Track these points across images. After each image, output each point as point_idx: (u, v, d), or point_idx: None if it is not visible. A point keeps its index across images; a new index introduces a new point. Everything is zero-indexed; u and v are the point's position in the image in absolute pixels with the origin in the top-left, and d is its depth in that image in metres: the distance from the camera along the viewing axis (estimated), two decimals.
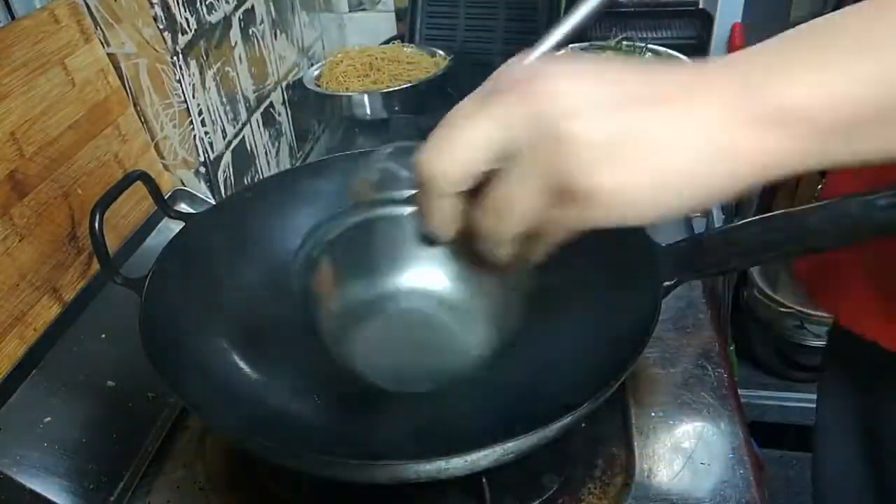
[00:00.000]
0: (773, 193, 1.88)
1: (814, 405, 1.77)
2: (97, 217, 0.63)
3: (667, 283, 0.59)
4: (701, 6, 1.47)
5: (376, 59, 1.26)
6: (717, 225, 1.82)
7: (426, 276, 0.78)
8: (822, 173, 1.78)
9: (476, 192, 0.36)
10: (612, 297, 0.64)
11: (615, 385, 0.53)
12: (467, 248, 0.40)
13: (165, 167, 0.86)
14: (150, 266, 0.65)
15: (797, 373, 1.86)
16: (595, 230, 0.35)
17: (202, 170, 0.88)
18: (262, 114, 1.06)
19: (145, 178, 0.71)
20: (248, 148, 1.01)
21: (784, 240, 0.57)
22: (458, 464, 0.49)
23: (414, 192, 0.38)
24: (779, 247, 0.58)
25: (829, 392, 0.90)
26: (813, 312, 1.71)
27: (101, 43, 0.77)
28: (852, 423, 0.83)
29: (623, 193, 0.32)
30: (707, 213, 1.79)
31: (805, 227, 0.57)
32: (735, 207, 1.82)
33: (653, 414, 0.67)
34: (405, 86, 1.18)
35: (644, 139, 0.31)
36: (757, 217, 0.59)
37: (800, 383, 1.87)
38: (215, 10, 0.90)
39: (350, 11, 1.43)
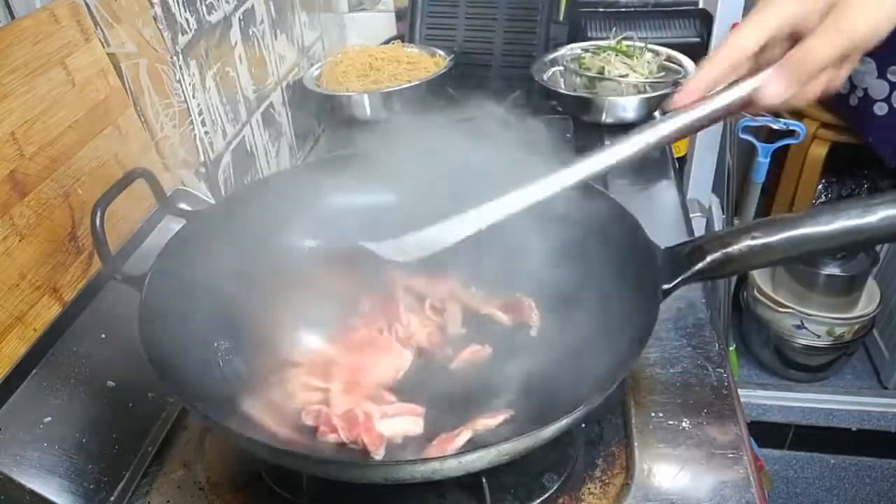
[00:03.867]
0: (772, 196, 1.88)
1: (813, 405, 1.76)
2: (98, 214, 0.63)
3: (666, 287, 0.59)
4: (701, 6, 1.47)
5: (376, 59, 1.26)
6: (716, 226, 1.82)
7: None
8: (823, 175, 1.79)
9: None
10: (611, 300, 0.64)
11: (610, 389, 0.53)
12: None
13: (165, 167, 0.86)
14: (150, 265, 0.65)
15: (797, 373, 1.86)
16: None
17: (202, 170, 0.88)
18: (262, 114, 1.06)
19: (147, 175, 0.71)
20: (248, 148, 1.01)
21: (783, 244, 0.57)
22: (452, 465, 0.49)
23: None
24: (777, 251, 0.58)
25: None
26: (813, 312, 1.71)
27: (101, 43, 0.77)
28: None
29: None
30: (707, 214, 1.79)
31: (804, 231, 0.57)
32: (735, 209, 1.82)
33: (653, 414, 0.67)
34: (405, 86, 1.18)
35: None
36: (756, 221, 0.59)
37: (800, 383, 1.87)
38: (215, 10, 0.90)
39: (350, 11, 1.43)
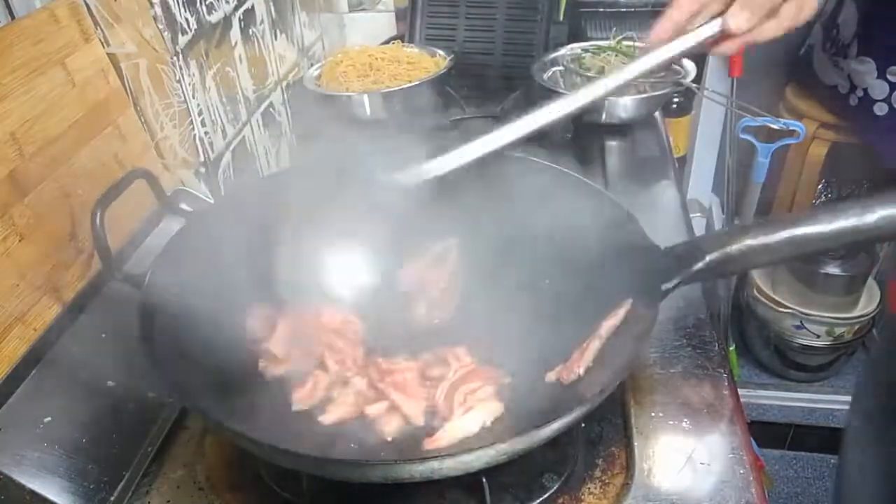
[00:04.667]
0: (772, 196, 1.88)
1: (813, 405, 1.77)
2: (98, 215, 0.63)
3: (665, 287, 0.59)
4: None
5: (376, 59, 1.25)
6: (716, 226, 1.82)
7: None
8: (823, 175, 1.79)
9: None
10: (610, 300, 0.64)
11: (609, 390, 0.53)
12: None
13: (165, 167, 0.86)
14: (150, 264, 0.65)
15: (797, 373, 1.86)
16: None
17: (202, 170, 0.88)
18: (262, 114, 1.06)
19: (147, 175, 0.71)
20: (248, 148, 1.01)
21: (783, 244, 0.57)
22: (450, 464, 0.49)
23: None
24: (777, 251, 0.58)
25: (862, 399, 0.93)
26: (813, 312, 1.71)
27: (101, 43, 0.77)
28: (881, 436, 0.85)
29: None
30: (707, 214, 1.79)
31: (803, 231, 0.57)
32: (735, 209, 1.82)
33: (653, 414, 0.67)
34: (405, 86, 1.18)
35: None
36: (755, 221, 0.60)
37: (800, 383, 1.87)
38: (215, 10, 0.90)
39: (350, 11, 1.43)
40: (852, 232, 0.55)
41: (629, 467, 0.62)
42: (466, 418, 0.60)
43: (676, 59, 0.64)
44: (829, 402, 1.78)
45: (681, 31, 0.62)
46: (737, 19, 0.59)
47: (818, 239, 0.56)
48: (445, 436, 0.58)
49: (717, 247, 0.59)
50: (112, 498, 0.61)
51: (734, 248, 0.58)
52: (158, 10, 0.77)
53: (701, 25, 0.62)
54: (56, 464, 0.59)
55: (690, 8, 0.61)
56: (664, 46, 0.63)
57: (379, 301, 0.77)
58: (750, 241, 0.58)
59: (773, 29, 0.60)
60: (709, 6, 0.61)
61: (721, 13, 0.60)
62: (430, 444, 0.57)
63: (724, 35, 0.61)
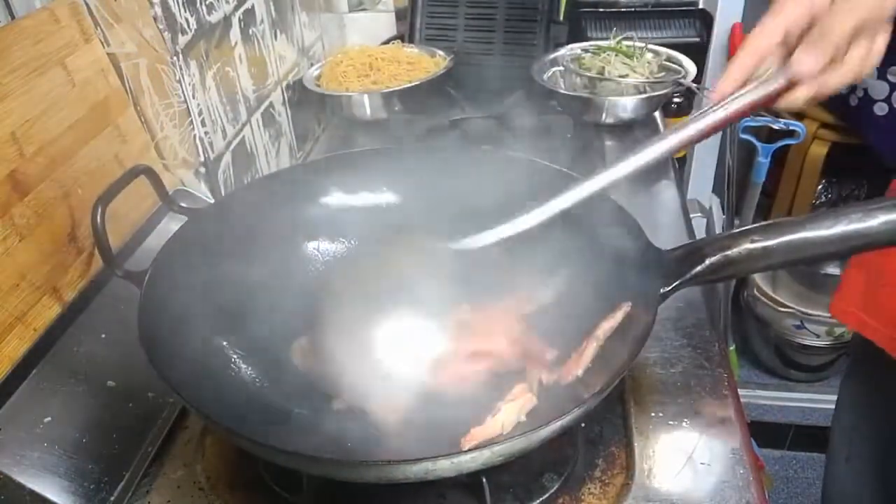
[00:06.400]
0: (772, 196, 1.88)
1: (813, 405, 1.77)
2: (99, 211, 0.63)
3: (664, 290, 0.59)
4: (701, 6, 1.47)
5: (376, 59, 1.26)
6: (717, 227, 1.82)
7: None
8: (823, 175, 1.79)
9: None
10: (609, 302, 0.64)
11: (606, 392, 0.53)
12: None
13: (165, 167, 0.86)
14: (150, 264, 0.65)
15: (797, 373, 1.86)
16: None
17: (202, 170, 0.88)
18: (262, 114, 1.06)
19: (148, 172, 0.71)
20: (248, 148, 1.01)
21: (783, 248, 0.57)
22: (444, 465, 0.49)
23: None
24: (777, 255, 0.57)
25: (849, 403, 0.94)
26: (813, 312, 1.71)
27: (102, 43, 0.77)
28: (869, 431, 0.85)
29: None
30: (707, 215, 1.79)
31: (804, 235, 0.57)
32: (735, 209, 1.82)
33: (653, 414, 0.67)
34: (405, 86, 1.18)
35: None
36: (755, 225, 0.59)
37: (800, 383, 1.87)
38: (215, 10, 0.90)
39: (350, 11, 1.43)
40: (854, 237, 0.55)
41: (629, 467, 0.62)
42: (499, 417, 0.59)
43: (744, 113, 0.60)
44: (829, 402, 1.77)
45: (745, 85, 0.59)
46: (803, 62, 0.56)
47: (819, 243, 0.56)
48: (480, 433, 0.58)
49: (718, 250, 0.59)
50: (112, 498, 0.61)
51: (734, 251, 0.58)
52: (158, 10, 0.76)
53: (766, 77, 0.59)
54: (56, 464, 0.59)
55: (751, 61, 0.58)
56: (730, 100, 0.59)
57: None
58: (750, 245, 0.57)
59: (839, 76, 0.57)
60: (770, 57, 0.59)
61: (784, 62, 0.58)
62: (466, 443, 0.57)
63: (791, 83, 0.58)
